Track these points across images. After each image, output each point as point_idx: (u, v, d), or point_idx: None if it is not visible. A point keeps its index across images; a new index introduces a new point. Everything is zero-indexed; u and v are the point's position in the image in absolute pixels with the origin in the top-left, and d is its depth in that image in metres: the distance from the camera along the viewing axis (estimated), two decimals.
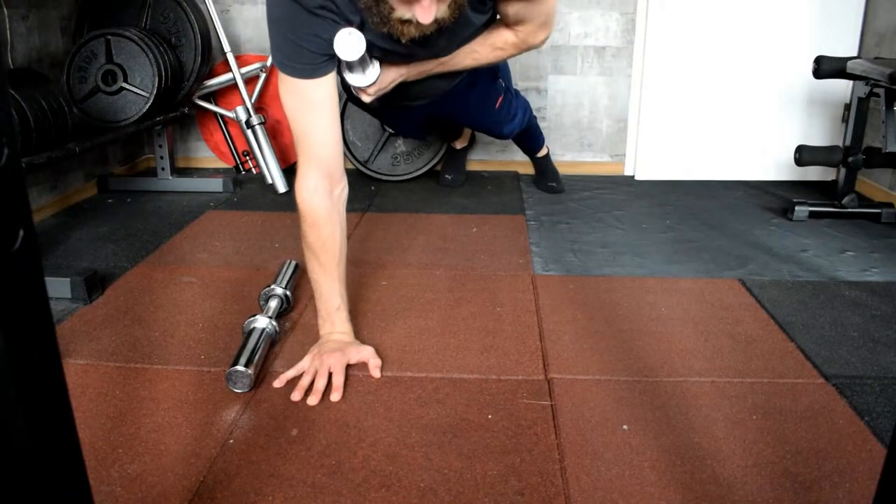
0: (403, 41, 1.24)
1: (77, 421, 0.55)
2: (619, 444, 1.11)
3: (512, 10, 1.39)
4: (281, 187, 2.54)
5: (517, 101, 2.22)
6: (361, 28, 1.28)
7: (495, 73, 2.07)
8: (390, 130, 2.74)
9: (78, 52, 2.26)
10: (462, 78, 1.84)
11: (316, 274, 1.37)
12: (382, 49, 1.40)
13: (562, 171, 2.71)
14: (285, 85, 1.29)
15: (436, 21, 1.16)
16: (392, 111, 2.28)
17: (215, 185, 2.61)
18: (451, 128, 2.65)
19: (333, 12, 1.21)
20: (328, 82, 1.29)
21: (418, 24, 1.15)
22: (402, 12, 1.15)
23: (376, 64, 1.43)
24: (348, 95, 2.24)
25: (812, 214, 2.28)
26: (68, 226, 2.23)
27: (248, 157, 2.87)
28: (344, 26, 1.24)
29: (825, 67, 2.16)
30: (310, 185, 1.32)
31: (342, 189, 1.38)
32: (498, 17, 1.49)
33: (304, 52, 1.24)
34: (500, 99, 2.12)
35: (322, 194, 1.33)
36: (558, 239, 2.11)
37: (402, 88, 1.66)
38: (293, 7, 1.20)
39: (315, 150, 1.32)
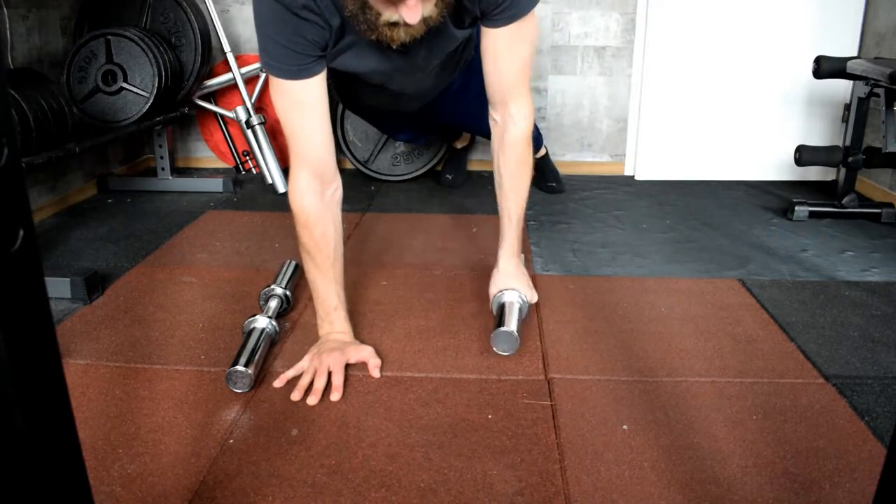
0: (394, 47, 1.23)
1: (77, 421, 0.55)
2: (619, 444, 1.11)
3: (501, 38, 1.33)
4: (281, 187, 2.55)
5: None
6: (341, 33, 1.27)
7: None
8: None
9: (78, 52, 2.26)
10: (453, 80, 1.84)
11: (312, 274, 1.37)
12: (368, 66, 1.39)
13: (562, 171, 2.71)
14: (274, 86, 1.29)
15: (423, 20, 1.15)
16: (386, 118, 2.28)
17: (215, 185, 2.61)
18: (448, 129, 2.65)
19: (316, 13, 1.21)
20: (316, 83, 1.29)
21: (406, 26, 1.15)
22: (388, 15, 1.14)
23: None
24: (342, 102, 2.24)
25: (812, 214, 2.28)
26: (68, 226, 2.22)
27: (248, 157, 2.87)
28: (326, 29, 1.24)
29: (825, 67, 2.16)
30: (301, 186, 1.32)
31: (335, 189, 1.38)
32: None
33: (289, 52, 1.23)
34: None
35: (313, 194, 1.33)
36: (558, 239, 2.11)
37: (392, 95, 1.65)
38: (277, 8, 1.20)
39: (305, 150, 1.32)
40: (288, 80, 1.27)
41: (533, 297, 1.52)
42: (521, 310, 1.45)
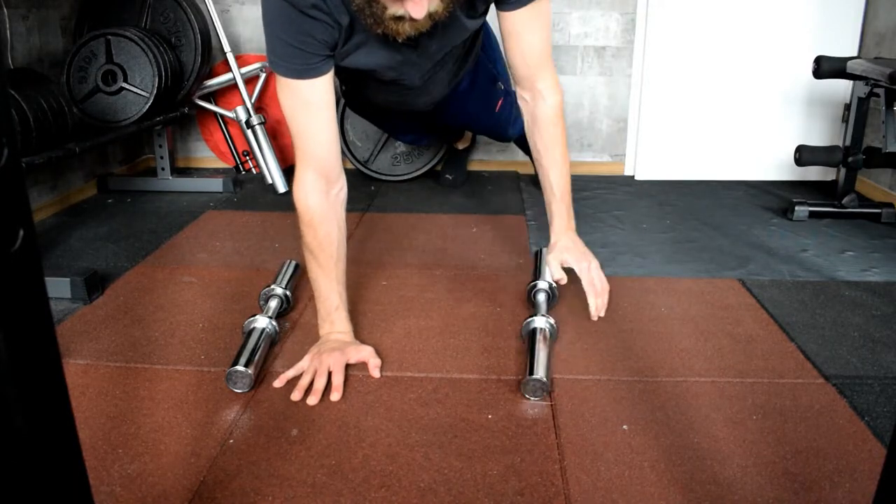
0: (400, 40, 1.23)
1: (77, 421, 0.55)
2: (619, 444, 1.11)
3: (519, 20, 1.36)
4: (281, 187, 2.55)
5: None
6: (350, 31, 1.27)
7: (494, 77, 2.07)
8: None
9: (78, 52, 2.26)
10: (460, 80, 1.84)
11: (314, 273, 1.37)
12: (379, 62, 1.39)
13: None
14: (281, 85, 1.29)
15: (429, 15, 1.16)
16: (391, 118, 2.27)
17: (215, 185, 2.61)
18: (453, 130, 2.65)
19: (325, 12, 1.21)
20: (323, 82, 1.29)
21: (412, 20, 1.15)
22: (394, 9, 1.14)
23: None
24: (348, 102, 2.24)
25: (812, 214, 2.28)
26: (68, 226, 2.22)
27: (248, 157, 2.87)
28: (335, 28, 1.24)
29: (825, 67, 2.16)
30: (306, 185, 1.33)
31: (340, 189, 1.38)
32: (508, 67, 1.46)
33: (296, 52, 1.23)
34: (501, 102, 2.12)
35: (318, 194, 1.33)
36: None
37: (402, 91, 1.65)
38: (285, 7, 1.20)
39: (311, 149, 1.32)
40: (295, 80, 1.27)
41: (594, 263, 1.42)
42: (550, 337, 1.39)
